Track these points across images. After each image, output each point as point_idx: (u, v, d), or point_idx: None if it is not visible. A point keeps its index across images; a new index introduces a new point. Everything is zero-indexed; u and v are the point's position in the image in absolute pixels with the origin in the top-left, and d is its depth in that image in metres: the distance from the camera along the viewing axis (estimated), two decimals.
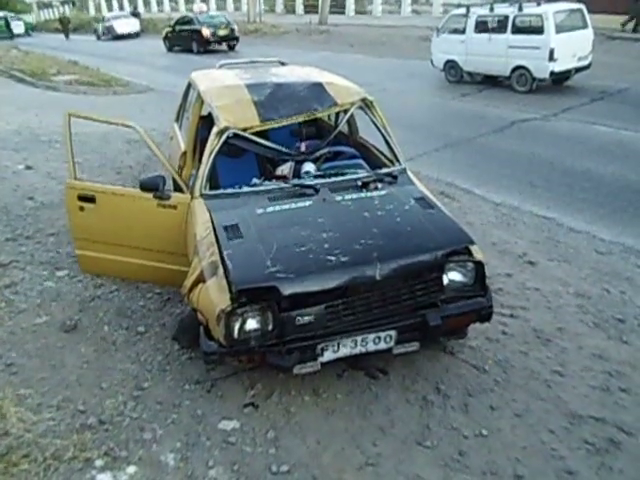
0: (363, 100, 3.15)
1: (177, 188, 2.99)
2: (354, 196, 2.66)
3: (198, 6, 24.50)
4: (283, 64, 4.01)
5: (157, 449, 2.21)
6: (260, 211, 2.54)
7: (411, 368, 2.65)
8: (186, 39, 17.13)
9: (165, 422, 2.33)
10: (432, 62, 10.39)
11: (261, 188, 2.78)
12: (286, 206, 2.58)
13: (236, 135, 2.86)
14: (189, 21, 17.33)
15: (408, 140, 6.64)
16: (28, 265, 3.65)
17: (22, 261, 3.70)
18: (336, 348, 2.27)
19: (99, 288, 3.36)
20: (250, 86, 3.14)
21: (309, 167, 2.99)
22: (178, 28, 17.70)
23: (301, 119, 3.04)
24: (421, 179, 3.20)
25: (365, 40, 16.03)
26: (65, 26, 25.08)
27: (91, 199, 2.94)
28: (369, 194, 2.69)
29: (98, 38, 24.01)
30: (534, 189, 5.06)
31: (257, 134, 2.93)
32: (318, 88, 3.14)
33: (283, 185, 2.76)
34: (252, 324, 2.18)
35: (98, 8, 34.61)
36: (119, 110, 8.50)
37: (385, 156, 3.25)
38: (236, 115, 2.89)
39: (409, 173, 3.00)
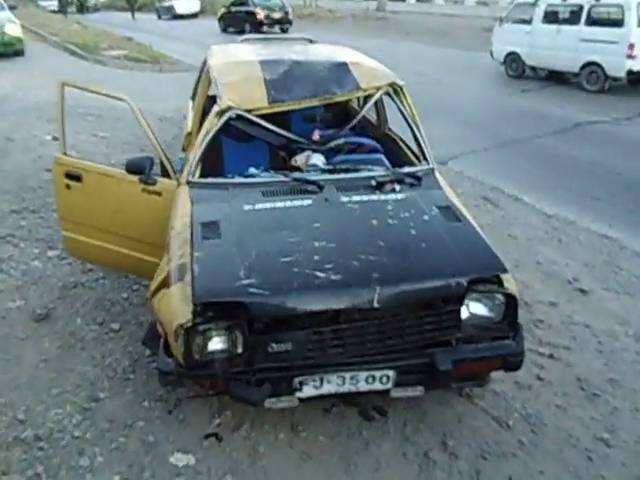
0: (391, 85, 2.67)
1: (165, 173, 2.65)
2: (364, 198, 2.20)
3: None
4: (311, 42, 3.58)
5: None
6: (248, 207, 2.14)
7: (415, 411, 2.19)
8: (240, 20, 17.04)
9: (109, 447, 1.99)
10: (492, 54, 9.61)
11: (256, 180, 2.37)
12: (280, 204, 2.16)
13: (240, 117, 2.48)
14: (244, 2, 17.22)
15: (456, 136, 6.07)
16: (22, 241, 3.46)
17: (17, 236, 3.52)
18: (318, 384, 1.85)
19: (86, 274, 3.12)
20: (264, 63, 2.74)
21: (317, 159, 2.55)
22: (234, 9, 17.66)
23: (315, 103, 2.60)
24: (454, 185, 2.70)
25: (424, 29, 15.36)
26: (132, 5, 25.55)
27: (78, 177, 2.66)
28: (382, 197, 2.23)
29: (159, 17, 24.39)
30: (595, 202, 4.40)
31: (267, 117, 2.53)
32: (341, 68, 2.70)
33: (282, 178, 2.34)
34: (217, 344, 1.80)
35: None
36: (159, 87, 8.51)
37: (415, 154, 2.76)
38: (242, 94, 2.51)
39: (437, 175, 2.50)
